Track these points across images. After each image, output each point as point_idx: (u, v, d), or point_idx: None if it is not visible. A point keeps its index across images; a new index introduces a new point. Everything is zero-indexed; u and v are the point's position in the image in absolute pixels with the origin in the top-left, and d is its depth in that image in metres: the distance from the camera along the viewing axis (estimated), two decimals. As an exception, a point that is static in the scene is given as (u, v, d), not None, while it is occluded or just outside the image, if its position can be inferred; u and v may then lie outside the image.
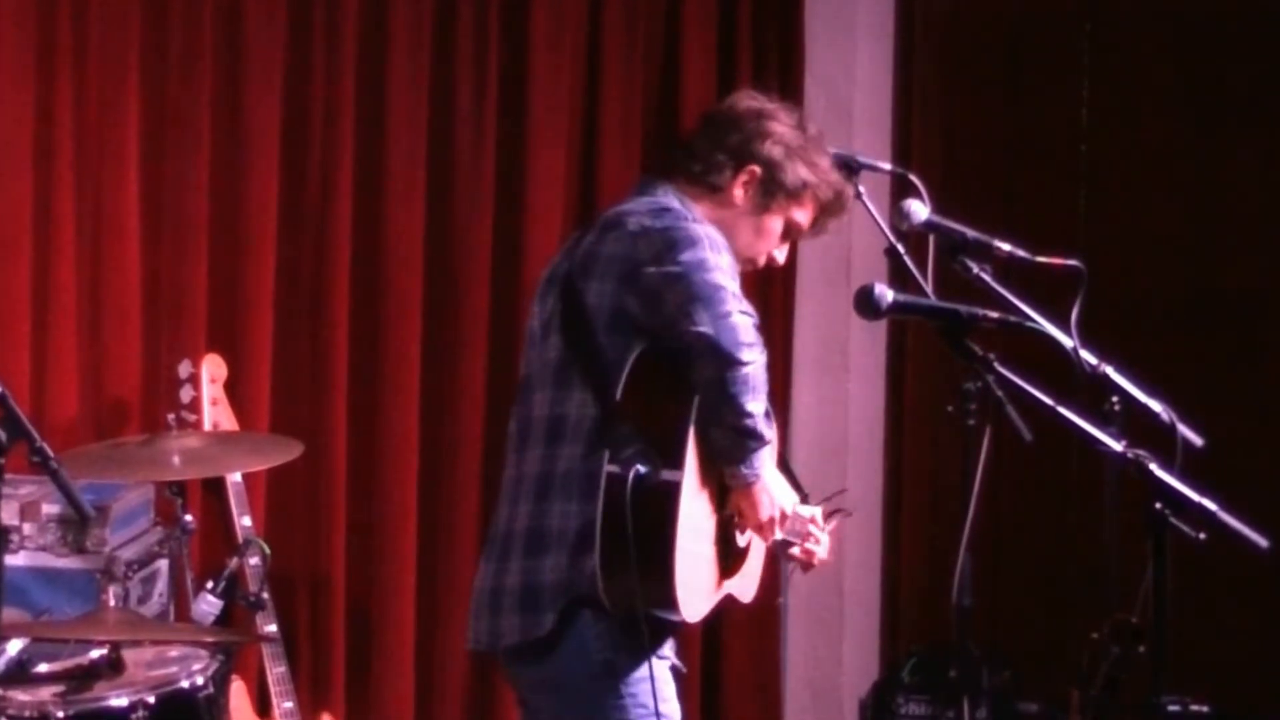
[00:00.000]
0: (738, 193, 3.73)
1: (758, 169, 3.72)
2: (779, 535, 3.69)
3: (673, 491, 3.45)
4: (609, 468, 3.47)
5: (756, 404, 3.46)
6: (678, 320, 3.45)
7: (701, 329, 3.42)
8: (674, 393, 3.47)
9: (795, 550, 3.79)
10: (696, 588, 3.56)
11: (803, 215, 3.78)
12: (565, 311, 3.61)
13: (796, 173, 3.72)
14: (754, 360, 3.44)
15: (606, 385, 3.52)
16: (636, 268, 3.53)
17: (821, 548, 3.80)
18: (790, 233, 3.80)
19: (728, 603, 3.76)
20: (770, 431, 3.53)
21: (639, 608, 3.50)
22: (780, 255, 3.83)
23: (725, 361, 3.42)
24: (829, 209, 3.79)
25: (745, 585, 3.80)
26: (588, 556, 3.49)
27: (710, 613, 3.68)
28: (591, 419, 3.55)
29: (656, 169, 3.85)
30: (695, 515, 3.54)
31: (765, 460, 3.55)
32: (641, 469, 3.45)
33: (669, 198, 3.70)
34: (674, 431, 3.46)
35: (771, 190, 3.73)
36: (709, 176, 3.73)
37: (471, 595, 3.72)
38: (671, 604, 3.50)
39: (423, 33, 5.75)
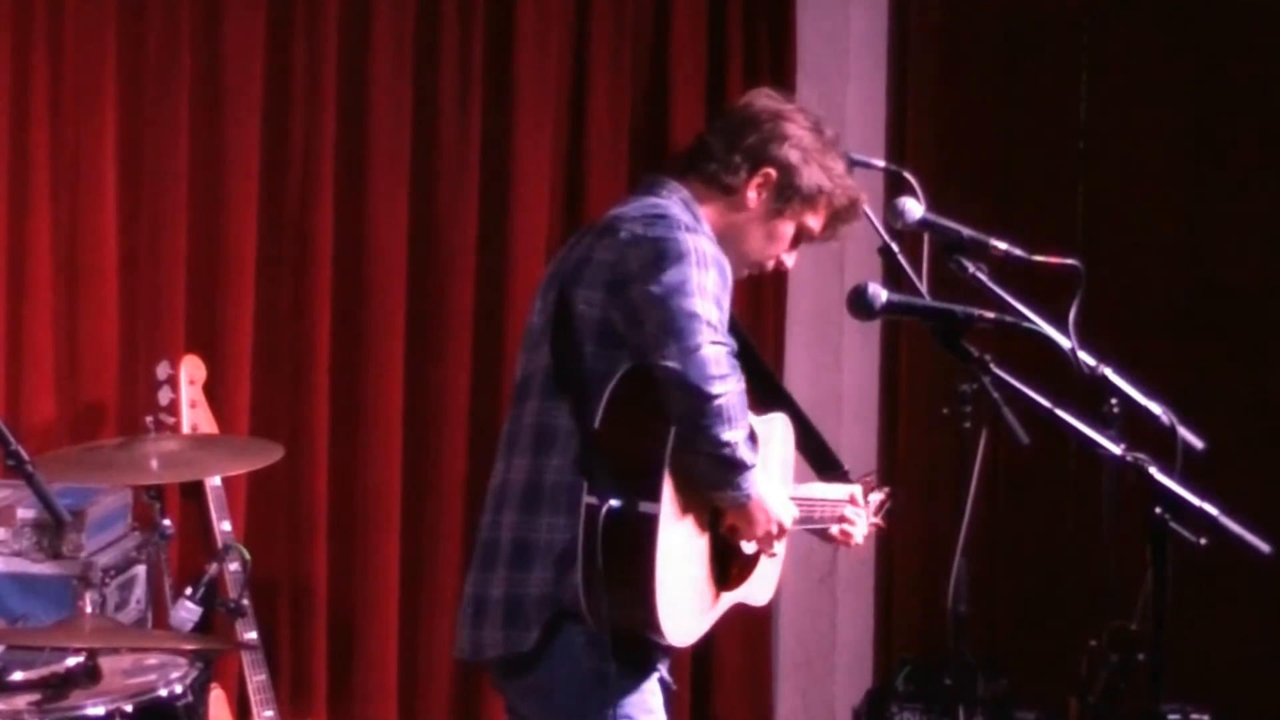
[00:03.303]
0: (751, 195, 3.70)
1: (773, 172, 3.69)
2: (777, 547, 3.67)
3: (650, 525, 3.43)
4: (587, 498, 3.46)
5: (734, 432, 3.43)
6: (651, 350, 3.44)
7: (670, 363, 3.40)
8: (652, 419, 3.45)
9: (834, 531, 3.89)
10: (684, 614, 3.54)
11: (815, 221, 3.75)
12: (556, 318, 3.60)
13: (812, 178, 3.69)
14: (726, 391, 3.40)
15: (588, 401, 3.50)
16: (623, 280, 3.51)
17: (858, 527, 3.89)
18: (801, 238, 3.78)
19: (733, 609, 3.75)
20: (754, 455, 3.49)
21: (623, 628, 3.48)
22: (789, 260, 3.81)
23: (695, 396, 3.39)
24: (842, 215, 3.76)
25: (757, 590, 3.78)
26: (573, 571, 3.47)
27: (710, 628, 3.68)
28: (578, 434, 3.53)
29: (669, 165, 3.82)
30: (679, 542, 3.51)
31: (755, 478, 3.52)
32: (615, 503, 3.44)
33: (672, 199, 3.67)
34: (651, 461, 3.44)
35: (786, 195, 3.70)
36: (723, 177, 3.70)
37: (460, 602, 3.71)
38: (657, 632, 3.48)
39: (405, 28, 5.72)
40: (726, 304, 3.53)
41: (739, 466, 3.46)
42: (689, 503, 3.52)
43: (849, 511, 3.91)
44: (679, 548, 3.50)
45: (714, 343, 3.41)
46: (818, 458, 3.99)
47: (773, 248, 3.75)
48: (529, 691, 3.62)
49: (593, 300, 3.55)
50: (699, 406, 3.38)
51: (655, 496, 3.43)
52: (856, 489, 3.95)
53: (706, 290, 3.45)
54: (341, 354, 5.69)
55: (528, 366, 3.66)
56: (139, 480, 4.96)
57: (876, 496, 4.07)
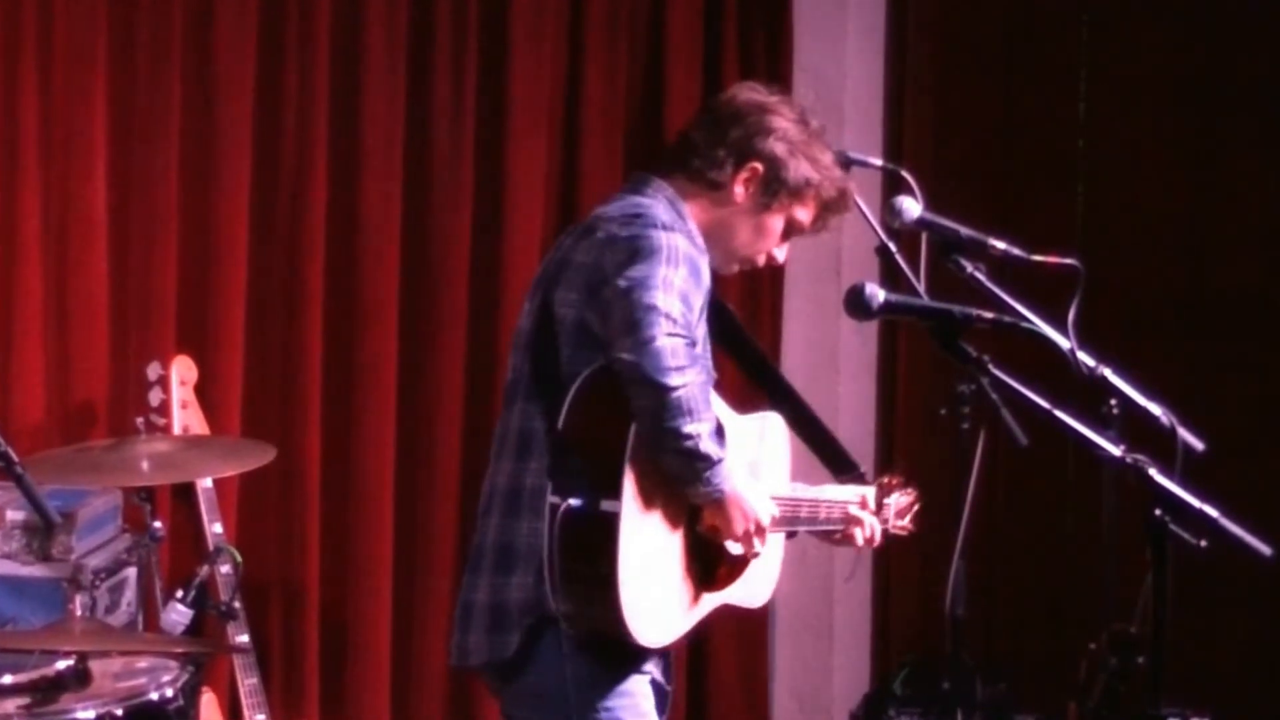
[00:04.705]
0: (738, 190, 3.68)
1: (760, 166, 3.67)
2: (754, 545, 3.62)
3: (611, 522, 3.41)
4: (551, 498, 3.45)
5: (697, 424, 3.39)
6: (610, 344, 3.42)
7: (624, 355, 3.38)
8: (613, 417, 3.43)
9: (835, 535, 3.88)
10: (654, 613, 3.51)
11: (804, 214, 3.73)
12: (538, 321, 3.60)
13: (799, 170, 3.67)
14: (684, 383, 3.37)
15: (559, 404, 3.49)
16: (599, 280, 3.50)
17: (862, 532, 3.87)
18: (791, 231, 3.75)
19: (728, 611, 3.73)
20: (720, 449, 3.46)
21: (595, 628, 3.47)
22: (780, 254, 3.79)
23: (652, 388, 3.37)
24: (831, 207, 3.74)
25: (750, 591, 3.76)
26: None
27: (693, 629, 3.65)
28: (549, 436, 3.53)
29: (655, 162, 3.81)
30: (647, 540, 3.49)
31: (729, 474, 3.48)
32: (575, 502, 3.42)
33: (656, 198, 3.65)
34: (612, 459, 3.42)
35: (774, 188, 3.67)
36: (709, 172, 3.68)
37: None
38: (624, 631, 3.45)
39: (399, 24, 5.69)
40: (698, 303, 3.51)
41: (704, 460, 3.41)
42: (655, 500, 3.48)
43: (854, 511, 3.89)
44: (646, 545, 3.47)
45: (671, 335, 3.37)
46: (833, 460, 3.98)
47: (762, 242, 3.73)
48: (520, 697, 3.61)
49: (570, 302, 3.54)
50: (657, 399, 3.35)
51: (616, 494, 3.41)
52: (869, 491, 3.92)
53: (673, 285, 3.42)
54: (334, 355, 5.65)
55: (514, 370, 3.65)
56: (129, 482, 4.93)
57: (902, 500, 4.04)
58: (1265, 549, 3.16)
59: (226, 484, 5.32)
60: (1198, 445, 3.35)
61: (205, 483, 5.11)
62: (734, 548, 3.61)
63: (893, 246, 3.76)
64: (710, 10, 5.99)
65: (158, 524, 5.00)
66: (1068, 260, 3.51)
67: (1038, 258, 3.53)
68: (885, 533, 4.00)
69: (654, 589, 3.50)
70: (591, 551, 3.40)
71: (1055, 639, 5.74)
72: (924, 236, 3.64)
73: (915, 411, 6.22)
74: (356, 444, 5.69)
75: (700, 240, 3.63)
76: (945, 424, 3.77)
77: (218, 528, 5.10)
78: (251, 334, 5.56)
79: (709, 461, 3.42)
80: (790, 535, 3.87)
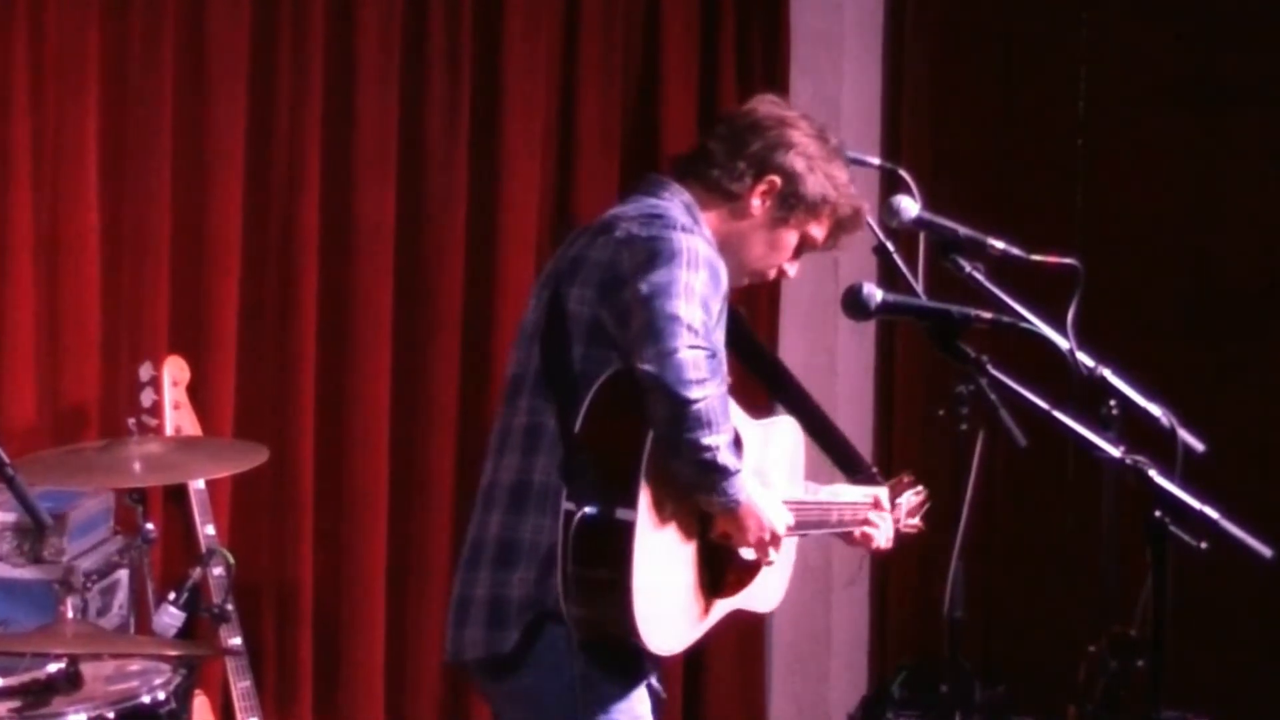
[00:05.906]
0: (755, 203, 3.69)
1: (778, 180, 3.67)
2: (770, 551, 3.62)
3: (626, 531, 3.41)
4: (565, 504, 3.44)
5: (715, 436, 3.40)
6: (631, 352, 3.42)
7: (647, 366, 3.38)
8: (631, 424, 3.43)
9: (856, 535, 3.90)
10: (668, 622, 3.52)
11: (818, 230, 3.74)
12: (548, 316, 3.59)
13: (817, 186, 3.68)
14: (705, 395, 3.37)
15: (575, 403, 3.48)
16: (616, 280, 3.50)
17: (880, 531, 3.90)
18: (803, 247, 3.76)
19: (739, 616, 3.74)
20: (738, 460, 3.47)
21: (608, 633, 3.46)
22: (791, 270, 3.80)
23: (672, 400, 3.37)
24: (845, 225, 3.75)
25: (759, 597, 3.76)
26: (555, 574, 3.46)
27: (703, 636, 3.66)
28: (563, 437, 3.52)
29: (666, 167, 3.81)
30: (660, 548, 3.49)
31: (743, 483, 3.49)
32: (590, 510, 3.42)
33: (673, 201, 3.66)
34: (628, 467, 3.42)
35: (791, 203, 3.68)
36: (726, 184, 3.68)
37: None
38: (637, 640, 3.45)
39: (393, 24, 5.68)
40: (717, 307, 3.50)
41: (722, 471, 3.42)
42: (671, 509, 3.48)
43: (872, 515, 3.90)
44: (661, 554, 3.47)
45: (692, 346, 3.38)
46: (845, 460, 4.00)
47: (774, 256, 3.74)
48: (513, 696, 3.60)
49: (585, 300, 3.53)
50: (677, 411, 3.35)
51: (632, 503, 3.41)
52: (882, 491, 3.94)
53: (694, 292, 3.42)
54: (327, 355, 5.64)
55: (519, 365, 3.64)
56: (121, 483, 4.92)
57: (914, 499, 4.05)
58: (1265, 550, 3.14)
59: (219, 485, 5.31)
60: (1198, 446, 3.35)
61: (198, 484, 5.09)
62: (747, 553, 3.62)
63: (891, 246, 3.77)
64: (707, 10, 6.00)
65: (150, 526, 4.99)
66: (1067, 260, 3.51)
67: (1037, 257, 3.53)
68: (898, 532, 4.01)
69: (667, 597, 3.50)
70: (606, 560, 3.40)
71: (1055, 641, 5.70)
72: (922, 236, 3.65)
73: (913, 412, 6.23)
74: (350, 445, 5.67)
75: (716, 248, 3.62)
76: (944, 425, 3.78)
77: (210, 530, 5.08)
78: (244, 334, 5.55)
79: (726, 473, 3.43)
80: (801, 536, 3.86)
